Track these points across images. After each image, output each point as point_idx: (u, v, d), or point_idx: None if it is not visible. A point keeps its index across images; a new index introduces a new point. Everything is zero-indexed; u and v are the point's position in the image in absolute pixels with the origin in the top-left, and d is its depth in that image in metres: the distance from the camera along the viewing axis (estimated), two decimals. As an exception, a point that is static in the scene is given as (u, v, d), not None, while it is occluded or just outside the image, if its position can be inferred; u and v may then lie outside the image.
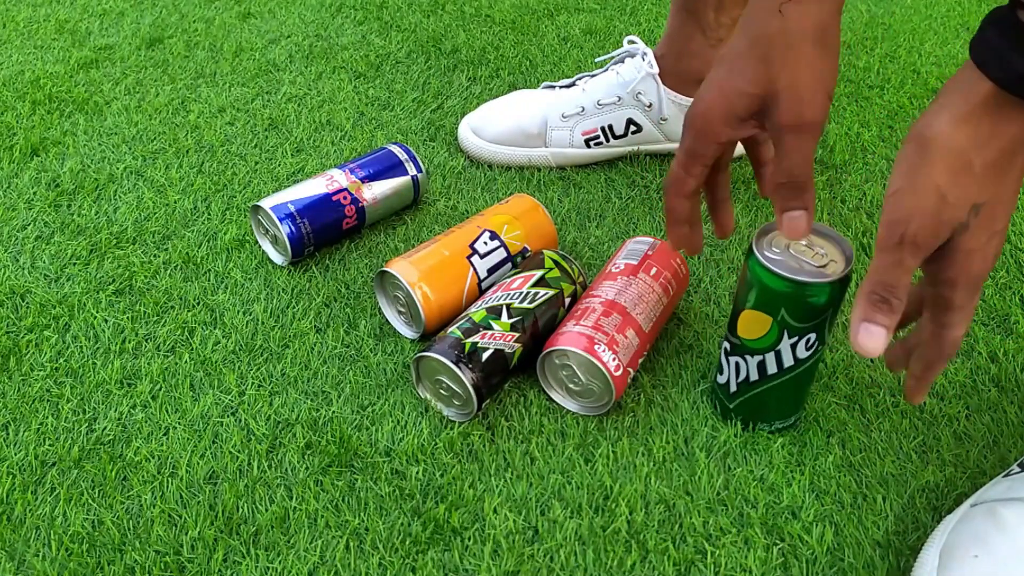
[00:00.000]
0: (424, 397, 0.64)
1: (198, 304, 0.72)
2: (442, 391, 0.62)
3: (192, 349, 0.68)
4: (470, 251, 0.70)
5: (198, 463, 0.60)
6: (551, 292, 0.66)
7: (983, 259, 0.44)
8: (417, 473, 0.59)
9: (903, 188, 0.42)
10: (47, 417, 0.63)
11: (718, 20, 0.81)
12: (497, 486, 0.58)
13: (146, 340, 0.69)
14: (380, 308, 0.71)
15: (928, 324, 0.47)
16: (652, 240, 0.69)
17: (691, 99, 0.85)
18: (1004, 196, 0.42)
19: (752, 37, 0.48)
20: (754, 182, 0.87)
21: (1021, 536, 0.49)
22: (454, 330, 0.62)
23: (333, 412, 0.63)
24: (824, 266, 0.53)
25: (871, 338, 0.45)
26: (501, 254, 0.71)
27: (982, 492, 0.54)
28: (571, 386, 0.63)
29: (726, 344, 0.60)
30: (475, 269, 0.69)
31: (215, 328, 0.70)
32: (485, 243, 0.70)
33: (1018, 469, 0.55)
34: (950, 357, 0.48)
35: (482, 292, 0.70)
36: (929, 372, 0.49)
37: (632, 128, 0.87)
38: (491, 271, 0.70)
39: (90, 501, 0.57)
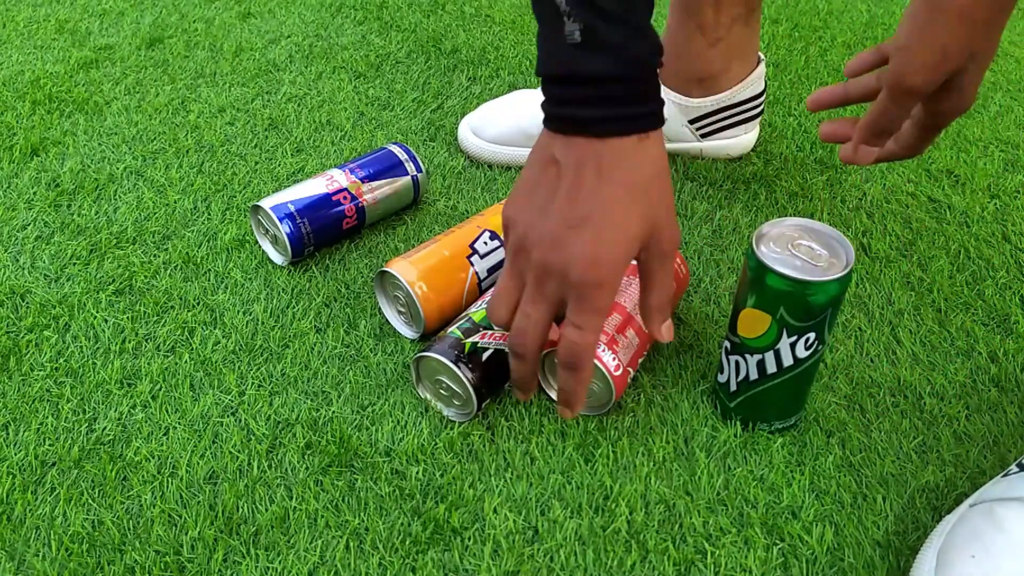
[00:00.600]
0: (424, 397, 0.64)
1: (198, 304, 0.72)
2: (442, 391, 0.62)
3: (192, 349, 0.68)
4: (470, 251, 0.70)
5: (198, 463, 0.60)
6: None
7: (972, 95, 0.52)
8: (417, 473, 0.59)
9: (912, 45, 0.48)
10: (47, 417, 0.63)
11: (717, 19, 0.81)
12: (497, 486, 0.58)
13: (146, 340, 0.69)
14: (380, 308, 0.71)
15: (914, 133, 0.56)
16: None
17: (691, 99, 0.85)
18: (993, 45, 0.49)
19: (631, 182, 0.48)
20: (754, 182, 0.87)
21: (1018, 535, 0.49)
22: (454, 330, 0.62)
23: (333, 412, 0.63)
24: (824, 265, 0.53)
25: (868, 156, 0.55)
26: (501, 254, 0.71)
27: (980, 492, 0.54)
28: None
29: (726, 343, 0.60)
30: (475, 269, 0.69)
31: (215, 328, 0.70)
32: (485, 243, 0.70)
33: (1016, 469, 0.55)
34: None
35: (482, 292, 0.70)
36: (888, 155, 0.59)
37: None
38: (491, 271, 0.70)
39: (90, 501, 0.57)
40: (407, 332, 0.69)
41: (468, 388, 0.59)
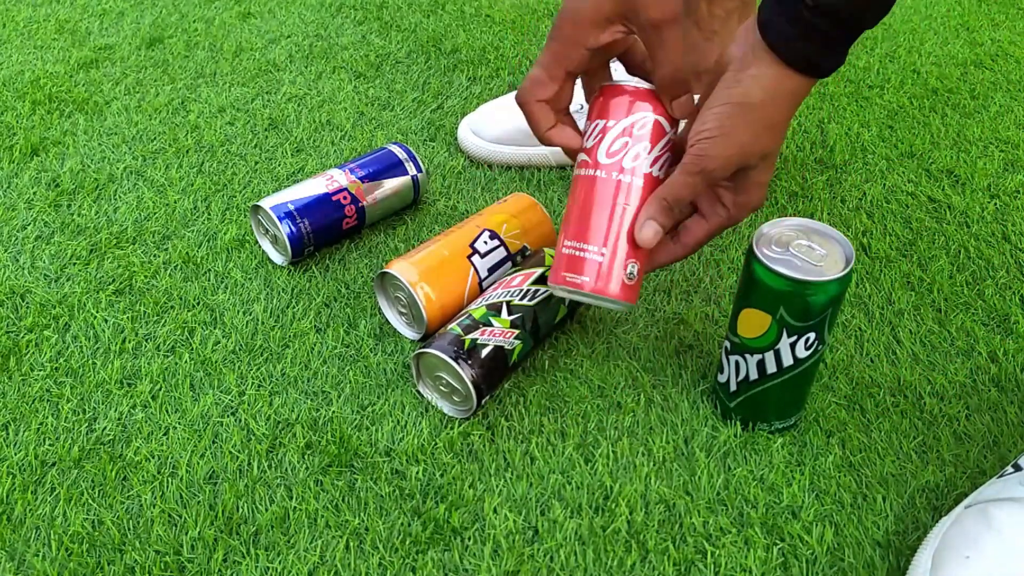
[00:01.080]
0: (424, 394, 0.64)
1: (198, 304, 0.72)
2: (442, 387, 0.62)
3: (192, 349, 0.68)
4: (470, 251, 0.70)
5: (198, 463, 0.60)
6: None
7: (761, 194, 0.56)
8: (417, 473, 0.59)
9: (716, 136, 0.51)
10: (47, 417, 0.63)
11: (711, 12, 0.81)
12: (497, 486, 0.58)
13: (146, 340, 0.69)
14: (380, 309, 0.71)
15: (700, 222, 0.58)
16: None
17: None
18: (780, 144, 0.53)
19: None
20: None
21: (1012, 536, 0.49)
22: (454, 327, 0.62)
23: (333, 412, 0.63)
24: (824, 265, 0.53)
25: (652, 233, 0.55)
26: (501, 253, 0.71)
27: (976, 494, 0.54)
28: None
29: (727, 343, 0.60)
30: (476, 268, 0.69)
31: (215, 328, 0.70)
32: (485, 242, 0.70)
33: (1011, 470, 0.55)
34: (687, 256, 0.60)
35: (483, 291, 0.70)
36: (665, 260, 0.59)
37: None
38: (492, 270, 0.70)
39: (90, 501, 0.57)
40: (408, 333, 0.69)
41: (468, 384, 0.59)
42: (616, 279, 0.57)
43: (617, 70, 0.63)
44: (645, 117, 0.56)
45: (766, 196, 0.57)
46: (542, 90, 0.56)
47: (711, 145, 0.52)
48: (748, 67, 0.50)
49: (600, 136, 0.57)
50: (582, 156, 0.58)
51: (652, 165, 0.57)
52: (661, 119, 0.56)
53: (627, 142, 0.56)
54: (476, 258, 0.69)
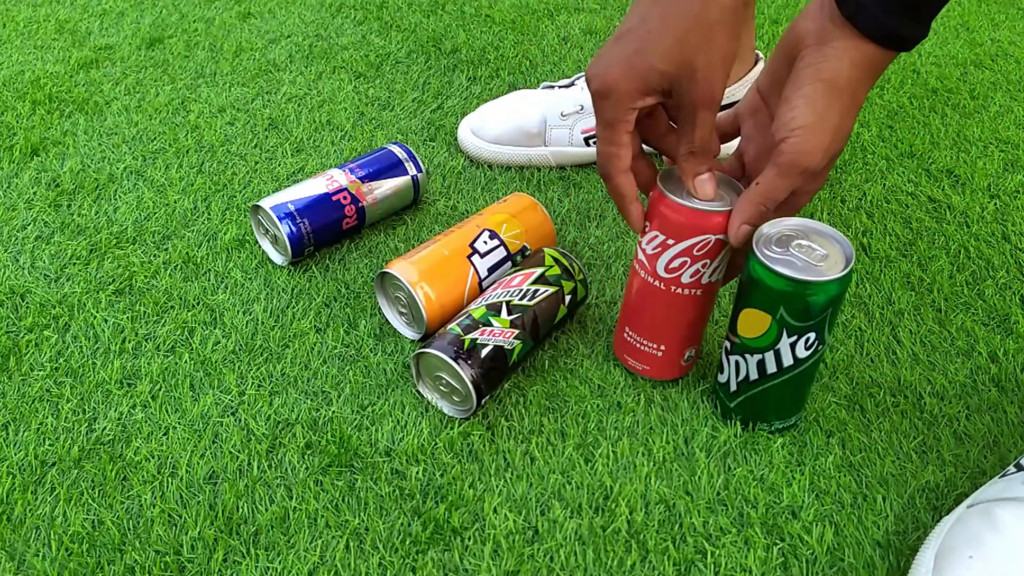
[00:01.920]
0: (424, 394, 0.64)
1: (198, 304, 0.72)
2: (442, 387, 0.62)
3: (192, 349, 0.68)
4: (470, 251, 0.70)
5: (198, 463, 0.60)
6: (551, 289, 0.66)
7: (825, 177, 0.55)
8: (417, 473, 0.59)
9: (809, 123, 0.49)
10: (47, 417, 0.63)
11: None
12: (497, 486, 0.58)
13: (146, 340, 0.69)
14: (380, 309, 0.71)
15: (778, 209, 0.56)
16: None
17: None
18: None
19: (668, 17, 0.49)
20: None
21: (1015, 536, 0.49)
22: (454, 327, 0.62)
23: (333, 412, 0.63)
24: (824, 265, 0.53)
25: (745, 235, 0.55)
26: (501, 253, 0.71)
27: (978, 493, 0.54)
28: None
29: (726, 343, 0.60)
30: (476, 269, 0.69)
31: (215, 328, 0.70)
32: (485, 242, 0.70)
33: (1014, 469, 0.55)
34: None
35: (483, 291, 0.70)
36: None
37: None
38: (491, 270, 0.70)
39: (90, 501, 0.57)
40: (408, 333, 0.69)
41: (467, 384, 0.59)
42: (673, 366, 0.64)
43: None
44: (706, 239, 0.56)
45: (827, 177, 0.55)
46: (620, 161, 0.55)
47: (805, 137, 0.49)
48: (829, 41, 0.48)
49: (659, 250, 0.58)
50: (640, 256, 0.59)
51: (711, 276, 0.59)
52: (723, 236, 0.56)
53: (686, 261, 0.57)
54: (476, 258, 0.69)
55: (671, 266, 0.58)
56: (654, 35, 0.50)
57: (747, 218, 0.54)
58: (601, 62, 0.52)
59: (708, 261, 0.57)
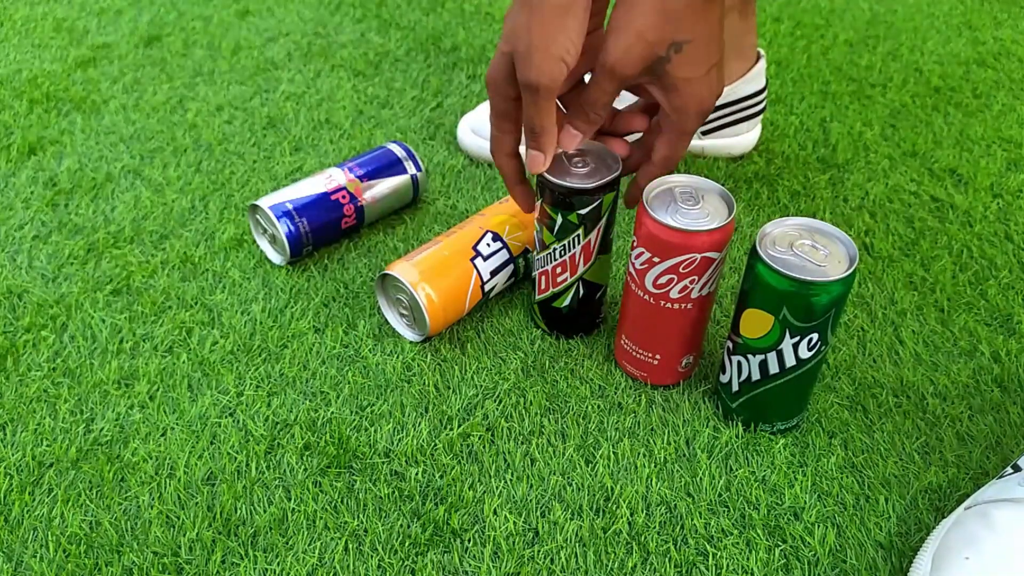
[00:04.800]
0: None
1: (196, 304, 0.72)
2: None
3: (190, 349, 0.68)
4: (473, 253, 0.69)
5: (196, 464, 0.59)
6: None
7: (706, 88, 0.54)
8: (416, 474, 0.59)
9: (615, 28, 0.52)
10: (44, 418, 0.62)
11: None
12: (497, 487, 0.58)
13: (144, 340, 0.69)
14: (380, 310, 0.70)
15: (658, 140, 0.58)
16: None
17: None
18: (707, 33, 0.52)
19: (523, 9, 0.53)
20: (756, 181, 0.87)
21: (1011, 537, 0.49)
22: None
23: (332, 413, 0.63)
24: (827, 265, 0.53)
25: (571, 139, 0.57)
26: (504, 256, 0.70)
27: (976, 495, 0.54)
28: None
29: (729, 343, 0.59)
30: (478, 271, 0.69)
31: (213, 328, 0.70)
32: (488, 244, 0.70)
33: (1011, 471, 0.55)
34: (666, 172, 0.59)
35: (485, 295, 0.69)
36: (644, 181, 0.60)
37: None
38: (494, 273, 0.70)
39: (88, 502, 0.57)
40: (410, 335, 0.69)
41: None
42: (671, 372, 0.64)
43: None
44: (692, 258, 0.56)
45: (709, 101, 0.55)
46: (503, 145, 0.59)
47: (608, 41, 0.52)
48: None
49: (646, 266, 0.58)
50: (631, 269, 0.60)
51: (701, 290, 0.59)
52: (710, 253, 0.56)
53: (673, 278, 0.58)
54: (479, 261, 0.69)
55: (659, 282, 0.58)
56: (508, 16, 0.54)
57: (569, 119, 0.57)
58: (493, 60, 0.57)
59: (696, 277, 0.57)
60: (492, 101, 0.58)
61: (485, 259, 0.69)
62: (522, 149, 0.60)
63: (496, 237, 0.70)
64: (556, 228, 0.62)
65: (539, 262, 0.65)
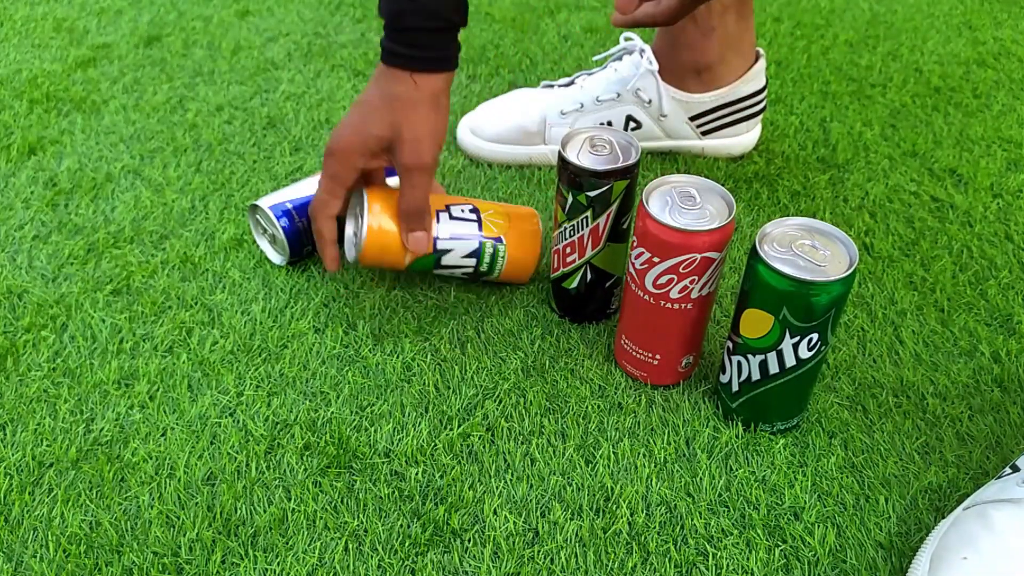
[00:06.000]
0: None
1: (196, 304, 0.72)
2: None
3: (190, 349, 0.68)
4: (443, 208, 0.68)
5: (196, 464, 0.59)
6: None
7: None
8: (416, 474, 0.59)
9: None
10: (44, 418, 0.62)
11: (708, 8, 0.80)
12: (497, 487, 0.58)
13: (144, 340, 0.69)
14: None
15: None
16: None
17: (691, 94, 0.85)
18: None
19: (386, 94, 0.62)
20: (756, 181, 0.87)
21: (1009, 537, 0.49)
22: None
23: (332, 413, 0.63)
24: (827, 265, 0.53)
25: (629, 4, 0.68)
26: (472, 227, 0.68)
27: (974, 495, 0.54)
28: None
29: (729, 343, 0.59)
30: (438, 224, 0.68)
31: (213, 328, 0.70)
32: (462, 210, 0.69)
33: (1009, 471, 0.55)
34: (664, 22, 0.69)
35: (437, 252, 0.68)
36: (648, 18, 0.69)
37: (632, 125, 0.87)
38: (456, 238, 0.68)
39: (88, 502, 0.57)
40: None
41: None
42: (671, 372, 0.64)
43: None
44: (691, 258, 0.56)
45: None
46: (328, 208, 0.65)
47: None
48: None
49: (646, 267, 0.58)
50: (631, 269, 0.61)
51: (701, 290, 0.59)
52: (710, 253, 0.56)
53: (673, 278, 0.58)
54: (444, 215, 0.68)
55: (658, 282, 0.58)
56: (374, 107, 0.63)
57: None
58: (338, 127, 0.64)
59: (696, 277, 0.57)
60: (333, 169, 0.64)
61: (452, 219, 0.68)
62: (349, 230, 0.69)
63: (474, 210, 0.70)
64: (567, 207, 0.63)
65: (553, 241, 0.67)
